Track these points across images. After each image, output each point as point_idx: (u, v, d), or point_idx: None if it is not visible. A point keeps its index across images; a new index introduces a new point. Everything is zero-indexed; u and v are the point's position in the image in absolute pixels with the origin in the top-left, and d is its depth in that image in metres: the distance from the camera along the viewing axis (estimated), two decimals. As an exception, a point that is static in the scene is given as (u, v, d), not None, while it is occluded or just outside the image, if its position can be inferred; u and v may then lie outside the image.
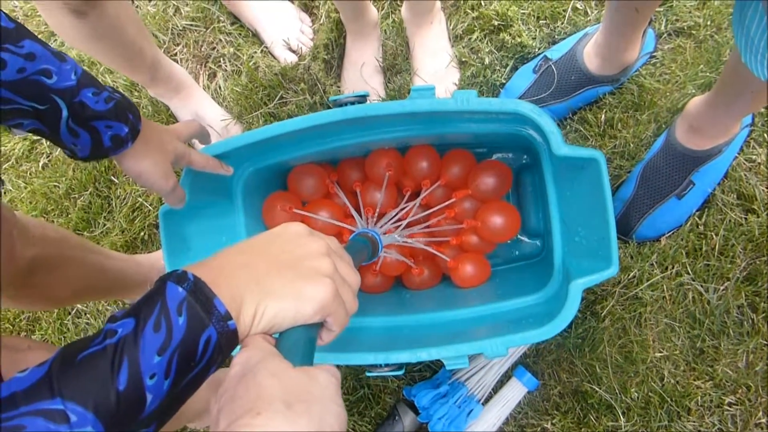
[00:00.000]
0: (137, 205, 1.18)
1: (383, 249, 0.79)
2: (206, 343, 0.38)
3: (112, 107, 0.60)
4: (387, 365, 0.75)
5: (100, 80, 1.21)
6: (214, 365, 0.40)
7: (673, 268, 0.98)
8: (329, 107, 1.12)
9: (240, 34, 1.21)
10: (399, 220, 0.94)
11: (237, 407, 0.35)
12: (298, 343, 0.42)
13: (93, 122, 0.59)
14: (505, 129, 0.81)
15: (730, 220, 0.98)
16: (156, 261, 1.07)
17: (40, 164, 1.26)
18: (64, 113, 0.56)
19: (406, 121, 0.82)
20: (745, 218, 0.98)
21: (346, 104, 0.77)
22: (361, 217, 0.95)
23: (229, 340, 0.40)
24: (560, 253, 0.81)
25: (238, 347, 0.41)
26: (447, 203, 0.95)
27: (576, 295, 0.69)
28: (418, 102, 0.74)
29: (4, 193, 1.25)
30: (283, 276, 0.43)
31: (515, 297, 0.85)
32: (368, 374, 0.77)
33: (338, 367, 0.47)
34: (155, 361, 0.36)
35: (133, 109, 0.63)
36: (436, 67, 1.10)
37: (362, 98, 0.78)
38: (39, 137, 1.25)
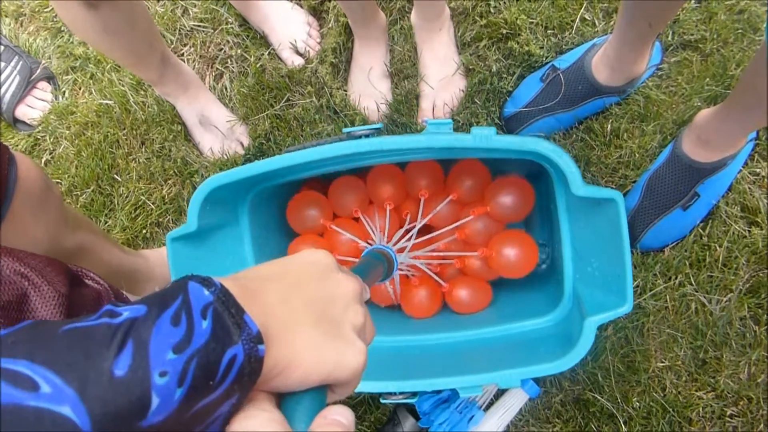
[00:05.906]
0: (140, 203, 1.17)
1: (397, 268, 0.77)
2: (230, 362, 0.30)
3: None
4: (401, 393, 0.75)
5: (105, 79, 1.22)
6: (232, 398, 0.31)
7: (676, 278, 0.99)
8: (336, 111, 1.13)
9: (248, 36, 1.21)
10: (402, 239, 0.91)
11: None
12: (312, 410, 0.35)
13: None
14: (520, 157, 0.79)
15: (733, 233, 0.98)
16: (163, 257, 1.07)
17: (43, 161, 1.25)
18: None
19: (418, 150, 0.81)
20: (749, 231, 0.98)
21: (360, 137, 0.75)
22: (375, 234, 0.93)
23: (253, 369, 0.32)
24: (571, 279, 0.82)
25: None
26: (463, 221, 0.92)
27: (590, 332, 0.69)
28: (436, 138, 0.71)
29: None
30: (321, 329, 0.37)
31: (525, 319, 0.86)
32: (383, 401, 0.76)
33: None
34: (169, 357, 0.28)
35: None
36: (444, 74, 1.10)
37: (377, 130, 0.76)
38: (43, 134, 1.26)
